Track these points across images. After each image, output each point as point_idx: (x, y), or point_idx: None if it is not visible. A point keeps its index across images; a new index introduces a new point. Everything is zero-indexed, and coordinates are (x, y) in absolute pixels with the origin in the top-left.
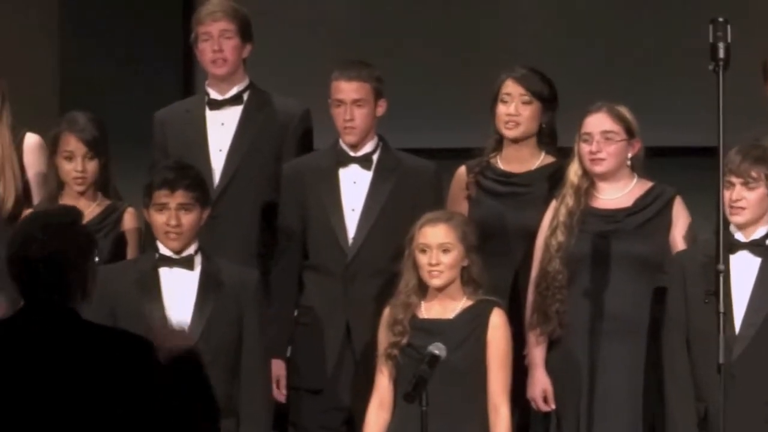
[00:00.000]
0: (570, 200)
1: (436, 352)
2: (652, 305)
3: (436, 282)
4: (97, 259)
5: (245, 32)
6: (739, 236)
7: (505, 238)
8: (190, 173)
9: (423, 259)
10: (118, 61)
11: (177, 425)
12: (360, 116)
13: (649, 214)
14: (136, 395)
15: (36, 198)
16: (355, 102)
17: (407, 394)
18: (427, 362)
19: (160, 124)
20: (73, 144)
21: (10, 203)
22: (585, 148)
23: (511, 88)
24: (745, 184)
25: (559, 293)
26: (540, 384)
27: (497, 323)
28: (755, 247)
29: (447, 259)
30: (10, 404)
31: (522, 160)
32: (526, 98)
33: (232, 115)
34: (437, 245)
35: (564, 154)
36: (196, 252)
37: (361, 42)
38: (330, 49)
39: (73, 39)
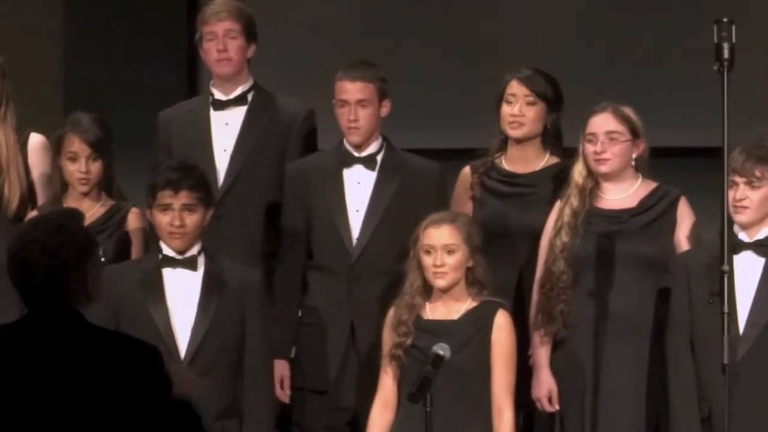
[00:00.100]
0: (575, 201)
1: (441, 352)
2: (657, 306)
3: (440, 283)
4: (103, 259)
5: (250, 32)
6: (743, 236)
7: (509, 239)
8: (194, 173)
9: (427, 260)
10: (122, 61)
11: None
12: (364, 117)
13: (654, 215)
14: (139, 400)
15: (40, 198)
16: (360, 102)
17: (411, 394)
18: (431, 363)
19: (164, 125)
20: (77, 145)
21: (14, 204)
22: (590, 148)
23: (515, 88)
24: (749, 183)
25: (563, 294)
26: (545, 384)
27: (502, 324)
28: (759, 247)
29: (451, 260)
30: (13, 407)
31: (526, 160)
32: (531, 99)
33: (237, 115)
34: (442, 246)
35: (568, 155)
36: (199, 252)
37: (365, 42)
38: (333, 50)
39: (76, 39)
